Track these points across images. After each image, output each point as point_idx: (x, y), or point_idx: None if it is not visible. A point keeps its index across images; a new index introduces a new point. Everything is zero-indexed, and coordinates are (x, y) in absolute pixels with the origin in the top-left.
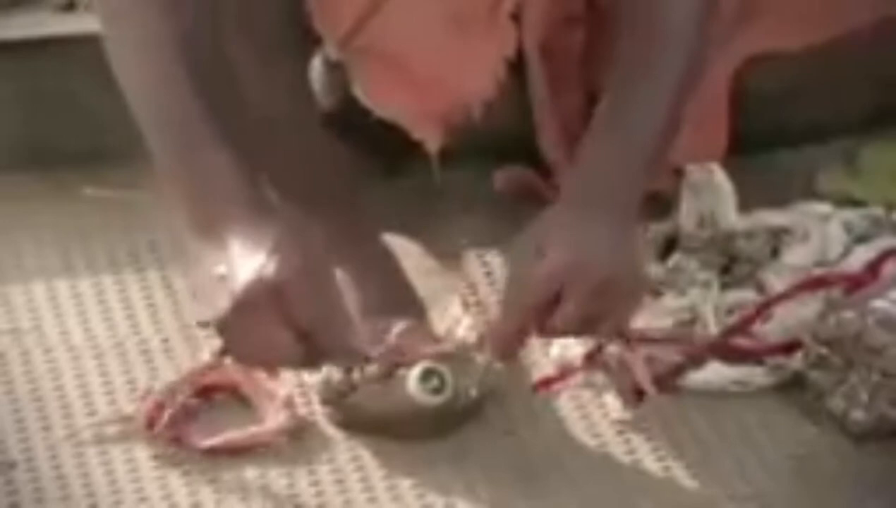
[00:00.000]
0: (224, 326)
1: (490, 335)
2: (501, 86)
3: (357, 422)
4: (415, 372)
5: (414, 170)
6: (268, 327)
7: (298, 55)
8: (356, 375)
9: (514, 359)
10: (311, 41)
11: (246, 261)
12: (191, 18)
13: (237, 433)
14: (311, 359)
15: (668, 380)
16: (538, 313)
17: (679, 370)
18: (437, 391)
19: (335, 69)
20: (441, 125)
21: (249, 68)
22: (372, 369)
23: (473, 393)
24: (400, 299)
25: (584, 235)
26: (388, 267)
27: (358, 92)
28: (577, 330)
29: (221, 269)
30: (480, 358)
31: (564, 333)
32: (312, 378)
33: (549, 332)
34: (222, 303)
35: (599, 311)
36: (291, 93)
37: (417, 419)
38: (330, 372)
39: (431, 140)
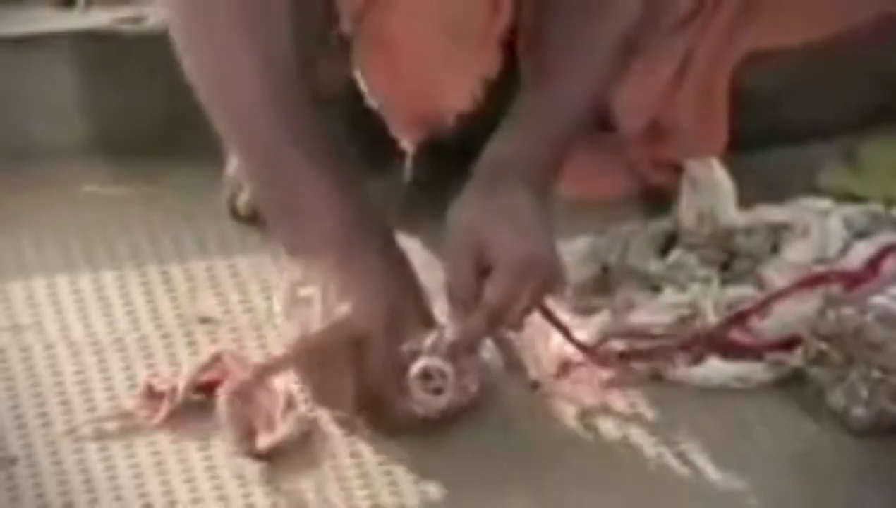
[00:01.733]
0: (297, 357)
1: (457, 331)
2: (477, 102)
3: (357, 420)
4: (414, 372)
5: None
6: (336, 372)
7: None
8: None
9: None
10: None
11: (330, 303)
12: (272, 41)
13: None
14: (366, 409)
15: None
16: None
17: (665, 359)
18: (438, 391)
19: (343, 52)
20: (416, 128)
21: None
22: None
23: (474, 388)
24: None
25: (528, 220)
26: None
27: (356, 72)
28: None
29: (305, 292)
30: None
31: (500, 311)
32: None
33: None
34: (301, 337)
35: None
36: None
37: (418, 418)
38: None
39: (406, 140)
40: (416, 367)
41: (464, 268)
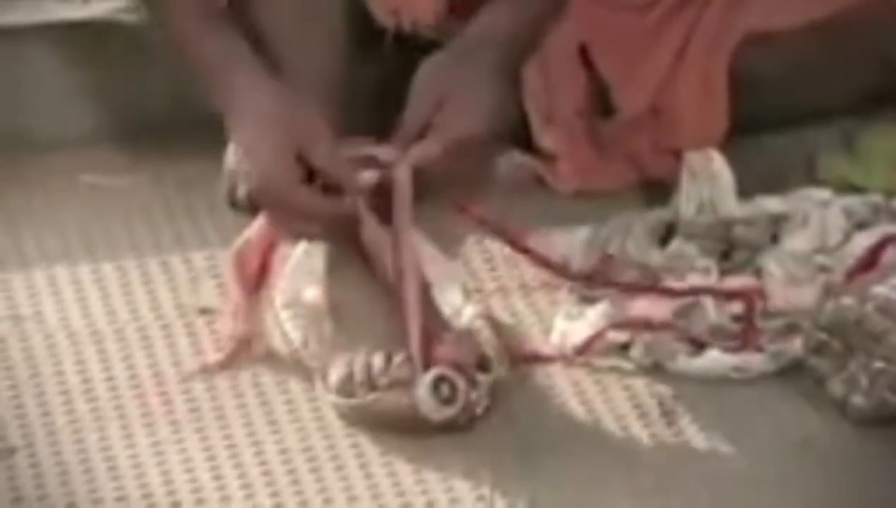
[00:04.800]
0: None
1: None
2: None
3: (363, 421)
4: (427, 379)
5: None
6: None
7: None
8: (381, 379)
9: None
10: None
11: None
12: None
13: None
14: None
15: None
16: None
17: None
18: (447, 401)
19: None
20: (389, 16)
21: None
22: (399, 370)
23: (479, 410)
24: None
25: (483, 99)
26: None
27: None
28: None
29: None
30: (492, 373)
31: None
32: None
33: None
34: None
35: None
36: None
37: (423, 425)
38: (353, 370)
39: (387, 24)
40: (430, 374)
41: (421, 105)
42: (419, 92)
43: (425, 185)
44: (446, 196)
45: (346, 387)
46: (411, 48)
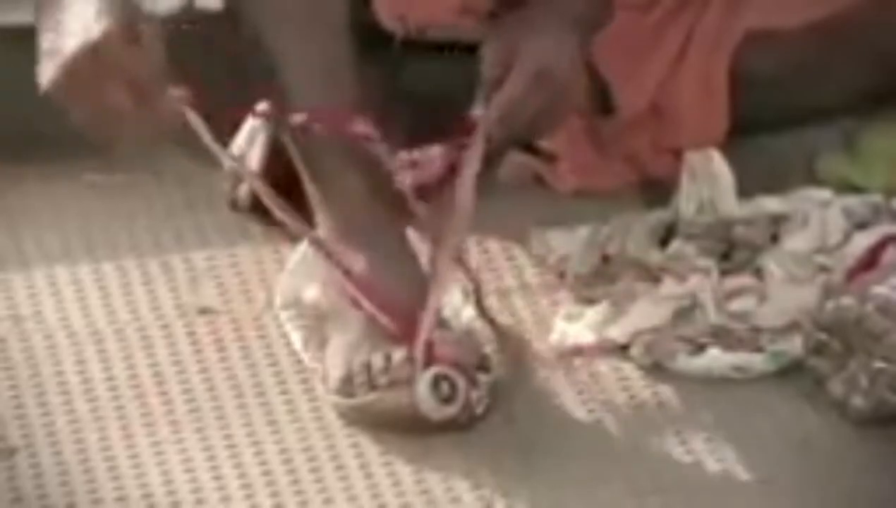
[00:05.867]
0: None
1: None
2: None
3: (363, 420)
4: (426, 377)
5: None
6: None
7: None
8: (381, 379)
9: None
10: None
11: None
12: None
13: None
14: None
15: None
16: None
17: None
18: (447, 400)
19: None
20: (396, 21)
21: None
22: (398, 370)
23: (480, 410)
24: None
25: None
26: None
27: None
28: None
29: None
30: (493, 372)
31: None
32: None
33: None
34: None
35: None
36: None
37: (422, 424)
38: (353, 369)
39: (394, 28)
40: (430, 372)
41: (495, 59)
42: (495, 44)
43: (508, 132)
44: (528, 139)
45: (346, 387)
46: (419, 50)
